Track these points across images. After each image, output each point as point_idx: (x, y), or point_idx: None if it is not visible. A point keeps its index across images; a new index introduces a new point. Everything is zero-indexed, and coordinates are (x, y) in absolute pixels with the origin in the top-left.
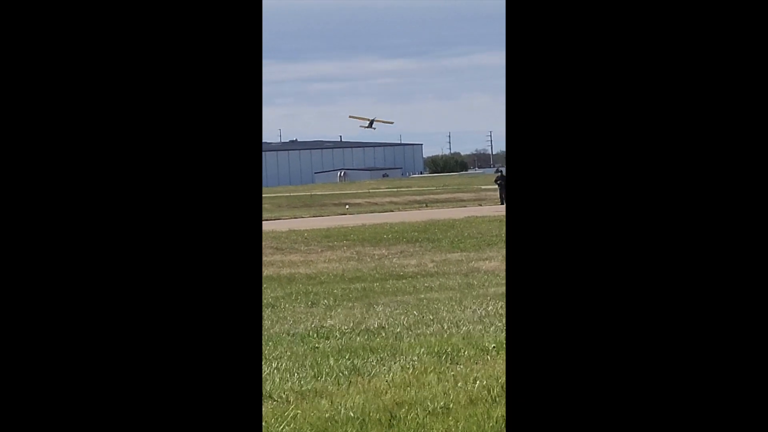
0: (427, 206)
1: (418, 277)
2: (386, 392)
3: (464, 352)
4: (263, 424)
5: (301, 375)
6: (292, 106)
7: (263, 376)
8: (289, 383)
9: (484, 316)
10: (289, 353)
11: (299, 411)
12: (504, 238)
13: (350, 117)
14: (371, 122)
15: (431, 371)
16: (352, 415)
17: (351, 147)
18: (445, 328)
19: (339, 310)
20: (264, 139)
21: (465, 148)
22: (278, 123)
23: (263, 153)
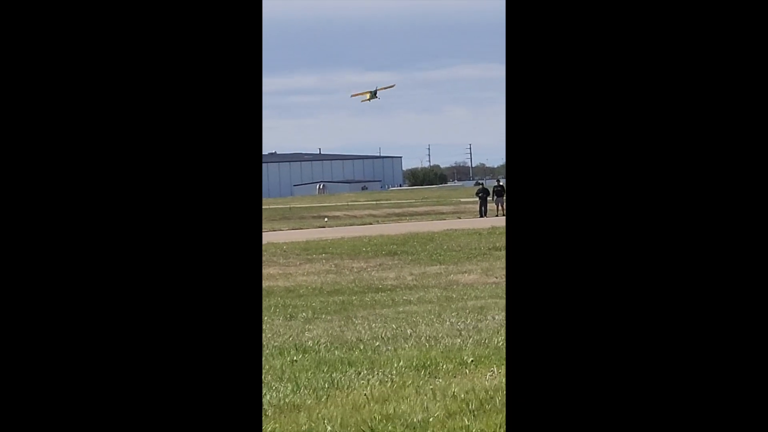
0: (408, 219)
1: (397, 290)
2: (364, 406)
3: (443, 366)
4: None
5: (279, 388)
6: (271, 119)
7: None
8: (267, 397)
9: (463, 329)
10: (267, 366)
11: (277, 425)
12: (483, 252)
13: (352, 96)
14: (374, 92)
15: (410, 385)
16: (330, 429)
17: (330, 160)
18: (424, 341)
19: (317, 323)
20: None
21: (444, 161)
22: None
23: None
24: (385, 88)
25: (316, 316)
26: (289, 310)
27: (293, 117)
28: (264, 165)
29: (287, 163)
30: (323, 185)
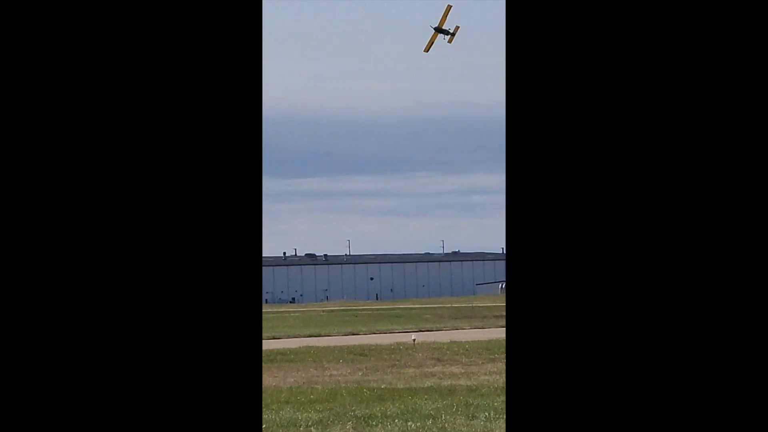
0: None
1: None
2: None
3: None
4: None
5: None
6: (454, 218)
7: None
8: None
9: None
10: None
11: None
12: None
13: (425, 51)
14: (441, 30)
15: None
16: None
17: None
18: None
19: (499, 422)
20: (426, 250)
21: None
22: (440, 234)
23: (427, 264)
24: (444, 19)
25: (498, 416)
26: (471, 409)
27: (476, 216)
28: (447, 263)
29: (470, 261)
30: (505, 284)
